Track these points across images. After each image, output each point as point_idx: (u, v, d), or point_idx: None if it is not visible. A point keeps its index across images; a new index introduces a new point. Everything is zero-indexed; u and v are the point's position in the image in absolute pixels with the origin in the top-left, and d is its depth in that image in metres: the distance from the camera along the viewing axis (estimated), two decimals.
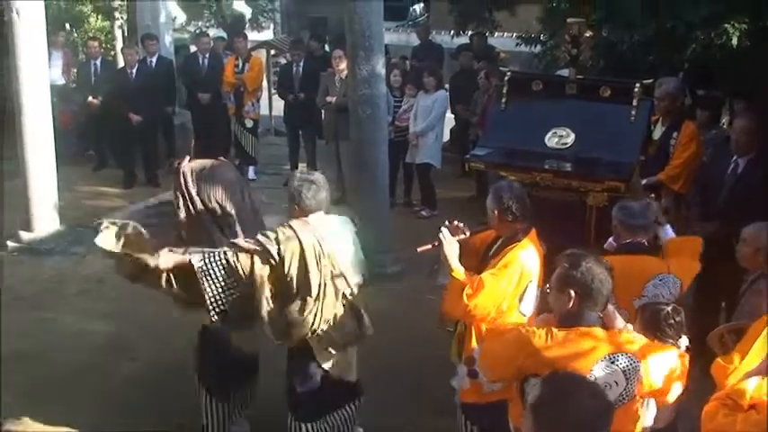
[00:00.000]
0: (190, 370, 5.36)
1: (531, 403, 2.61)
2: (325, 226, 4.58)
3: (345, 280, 4.59)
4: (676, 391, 3.49)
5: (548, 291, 3.54)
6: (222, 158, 5.36)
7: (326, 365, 4.73)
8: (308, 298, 4.43)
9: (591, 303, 3.38)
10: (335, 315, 4.56)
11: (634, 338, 3.45)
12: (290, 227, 4.45)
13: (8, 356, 6.35)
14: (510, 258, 4.33)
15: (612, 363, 3.30)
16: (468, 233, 4.62)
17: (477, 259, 4.67)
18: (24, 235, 8.81)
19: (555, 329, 3.38)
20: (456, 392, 5.53)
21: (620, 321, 3.55)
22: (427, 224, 9.31)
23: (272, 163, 12.26)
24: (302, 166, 11.38)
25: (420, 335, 6.43)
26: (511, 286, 4.31)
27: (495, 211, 4.50)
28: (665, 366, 3.41)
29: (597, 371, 3.29)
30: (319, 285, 4.44)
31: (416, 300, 7.28)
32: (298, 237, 4.40)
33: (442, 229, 4.50)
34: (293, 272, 4.41)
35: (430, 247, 4.53)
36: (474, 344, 4.47)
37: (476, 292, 4.24)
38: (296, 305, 4.45)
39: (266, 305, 4.49)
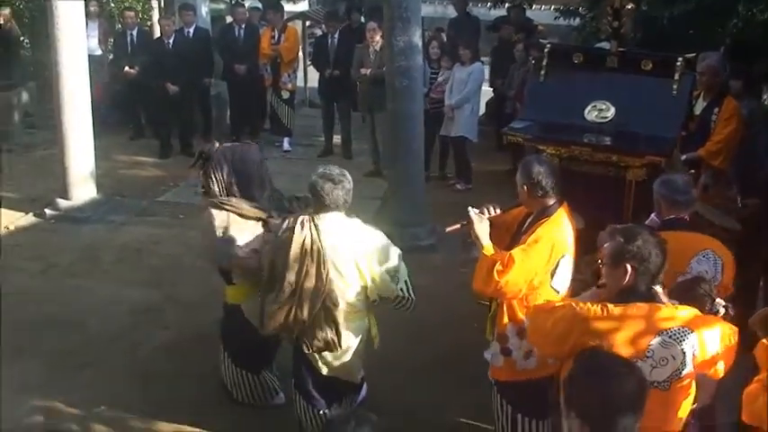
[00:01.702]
0: (217, 342, 5.43)
1: (563, 379, 2.58)
2: (338, 229, 4.42)
3: (335, 288, 4.43)
4: (726, 366, 3.44)
5: (600, 265, 3.48)
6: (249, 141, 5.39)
7: (319, 367, 4.69)
8: (281, 293, 4.37)
9: (647, 278, 3.33)
10: (313, 320, 4.42)
11: (691, 312, 3.39)
12: (294, 220, 4.41)
13: (43, 323, 6.46)
14: (540, 234, 4.26)
15: (671, 337, 3.26)
16: (498, 210, 4.56)
17: (510, 236, 4.61)
18: (61, 203, 8.89)
19: (610, 305, 3.33)
20: (489, 367, 5.54)
21: (665, 298, 3.49)
22: (462, 198, 9.25)
23: (306, 134, 12.24)
24: (336, 138, 11.37)
25: (453, 307, 6.42)
26: (542, 262, 4.23)
27: (525, 187, 4.39)
28: (716, 340, 3.36)
29: (654, 346, 3.25)
30: (295, 284, 4.34)
31: (451, 273, 7.25)
32: (292, 231, 4.35)
33: (470, 208, 4.43)
34: (277, 261, 4.39)
35: (458, 226, 4.49)
36: (506, 321, 4.41)
37: (506, 269, 4.16)
38: (271, 296, 4.43)
39: (259, 289, 4.55)
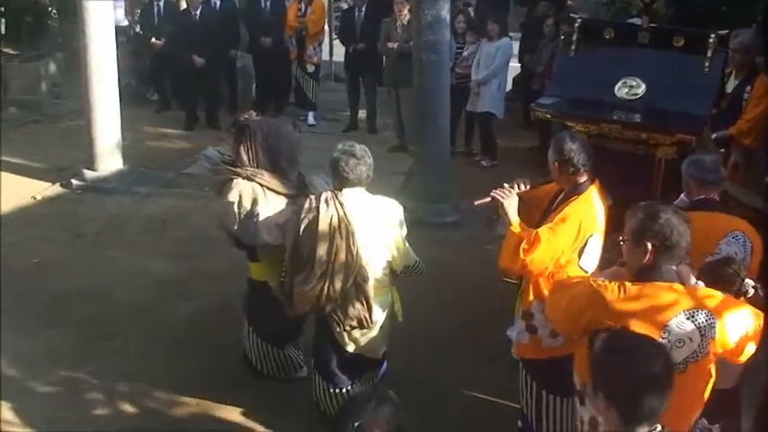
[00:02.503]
0: (242, 315, 5.45)
1: (591, 358, 2.56)
2: (361, 204, 4.45)
3: (364, 264, 4.45)
4: (749, 351, 3.36)
5: (621, 242, 3.43)
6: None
7: (345, 344, 4.68)
8: (312, 272, 4.36)
9: (668, 257, 3.26)
10: (345, 297, 4.44)
11: (712, 294, 3.33)
12: (317, 198, 4.39)
13: (70, 293, 6.51)
14: (568, 212, 4.21)
15: (688, 319, 3.19)
16: (527, 186, 4.52)
17: (540, 212, 4.57)
18: (88, 173, 8.94)
19: (628, 283, 3.28)
20: (512, 343, 5.51)
21: (692, 279, 3.44)
22: (487, 174, 9.22)
23: (331, 108, 12.20)
24: (361, 112, 11.33)
25: (476, 285, 6.41)
26: (569, 240, 4.18)
27: (557, 163, 4.36)
28: (740, 325, 3.29)
29: (672, 326, 3.18)
30: (327, 263, 4.34)
31: (474, 249, 7.22)
32: (317, 209, 4.33)
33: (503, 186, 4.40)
34: (303, 241, 4.36)
35: (488, 200, 4.43)
36: (532, 298, 4.38)
37: (532, 247, 4.13)
38: (301, 276, 4.41)
39: (284, 271, 4.52)
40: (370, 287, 4.48)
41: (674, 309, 3.20)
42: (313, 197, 4.43)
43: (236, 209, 4.80)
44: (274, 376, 5.38)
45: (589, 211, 4.26)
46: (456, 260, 6.94)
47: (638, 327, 3.15)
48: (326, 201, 4.36)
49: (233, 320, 5.68)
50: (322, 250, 4.32)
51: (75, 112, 10.51)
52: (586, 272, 4.26)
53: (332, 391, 4.79)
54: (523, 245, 4.13)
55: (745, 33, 6.80)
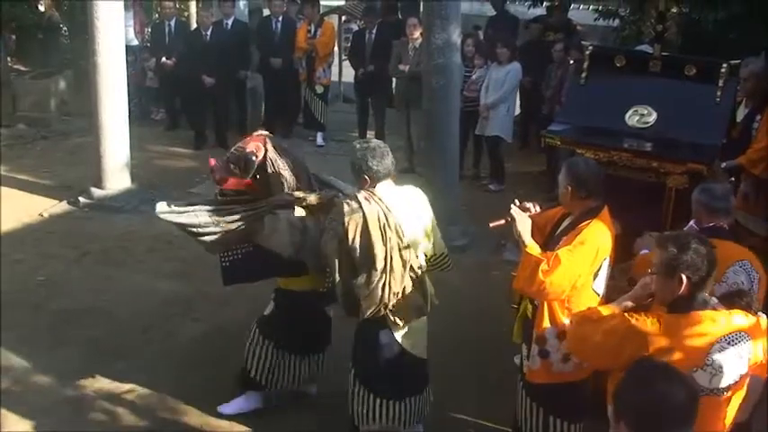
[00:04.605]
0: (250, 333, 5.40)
1: (614, 390, 2.54)
2: (394, 196, 4.49)
3: (413, 252, 4.49)
4: None
5: (651, 274, 3.47)
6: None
7: (398, 336, 4.65)
8: (374, 271, 4.35)
9: (702, 286, 3.32)
10: (404, 288, 4.47)
11: (742, 317, 3.37)
12: (355, 198, 4.38)
13: (74, 311, 6.51)
14: (587, 235, 4.20)
15: (728, 344, 3.25)
16: (538, 209, 4.53)
17: (542, 237, 4.55)
18: (96, 191, 8.95)
19: (666, 315, 3.33)
20: (519, 370, 5.47)
21: (718, 305, 3.45)
22: (494, 198, 9.20)
23: (340, 130, 12.20)
24: (370, 134, 11.34)
25: (482, 309, 6.39)
26: (587, 264, 4.18)
27: (569, 187, 4.34)
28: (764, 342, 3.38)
29: (714, 353, 3.24)
30: (385, 258, 4.35)
31: (481, 274, 7.21)
32: (362, 209, 4.33)
33: (513, 206, 4.41)
34: (356, 245, 4.34)
35: (503, 222, 4.43)
36: (546, 323, 4.35)
37: (552, 269, 4.10)
38: (362, 278, 4.38)
39: (336, 279, 4.46)
40: (423, 275, 4.55)
41: (714, 336, 3.25)
42: (349, 200, 4.40)
43: (298, 234, 4.79)
44: (279, 388, 5.31)
45: (604, 234, 4.26)
46: (463, 284, 6.91)
47: (681, 358, 3.20)
48: (366, 199, 4.37)
49: (238, 341, 5.65)
50: (378, 247, 4.32)
51: (84, 129, 10.56)
52: (598, 294, 4.28)
53: (372, 401, 4.74)
54: (543, 266, 4.11)
55: (755, 62, 6.78)
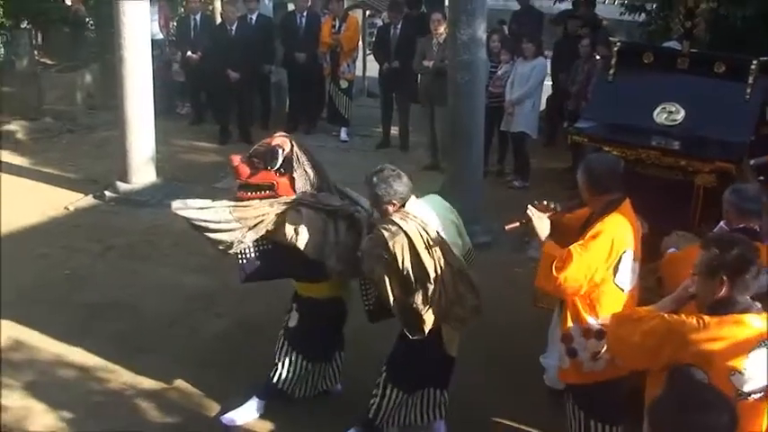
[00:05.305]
0: (271, 331, 5.41)
1: (648, 406, 2.49)
2: (423, 209, 4.53)
3: (456, 256, 4.53)
4: None
5: (692, 275, 3.43)
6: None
7: (444, 340, 4.68)
8: (428, 284, 4.38)
9: (743, 288, 3.29)
10: (458, 293, 4.48)
11: None
12: (393, 222, 4.39)
13: (100, 305, 6.55)
14: (599, 229, 4.17)
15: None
16: (558, 208, 4.50)
17: (575, 237, 4.52)
18: (121, 185, 8.99)
19: (706, 317, 3.29)
20: (545, 371, 5.44)
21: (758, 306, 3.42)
22: (519, 195, 9.12)
23: (364, 125, 12.17)
24: (394, 129, 11.32)
25: (505, 308, 6.31)
26: (602, 257, 4.13)
27: (586, 184, 4.36)
28: None
29: (753, 356, 3.22)
30: (435, 270, 4.38)
31: (504, 272, 7.15)
32: (403, 230, 4.33)
33: (530, 206, 4.42)
34: (408, 265, 4.34)
35: (517, 224, 4.46)
36: (570, 323, 4.32)
37: (564, 265, 4.10)
38: (419, 296, 4.40)
39: (392, 302, 4.48)
40: (470, 274, 4.58)
41: (755, 339, 3.23)
42: (386, 225, 4.40)
43: (320, 235, 4.77)
44: (305, 395, 5.33)
45: (621, 226, 4.21)
46: (486, 283, 6.81)
47: (720, 360, 3.19)
48: (402, 219, 4.39)
49: (261, 337, 5.68)
50: (429, 263, 4.35)
51: (110, 123, 10.61)
52: (622, 290, 4.23)
53: (406, 399, 4.82)
54: (556, 263, 4.11)
55: None
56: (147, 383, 5.53)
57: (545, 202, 4.46)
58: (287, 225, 4.75)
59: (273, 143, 4.88)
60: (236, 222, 4.79)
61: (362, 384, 5.08)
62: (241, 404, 5.22)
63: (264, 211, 4.80)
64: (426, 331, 4.49)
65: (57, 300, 6.59)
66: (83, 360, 5.76)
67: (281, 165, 4.86)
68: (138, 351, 5.90)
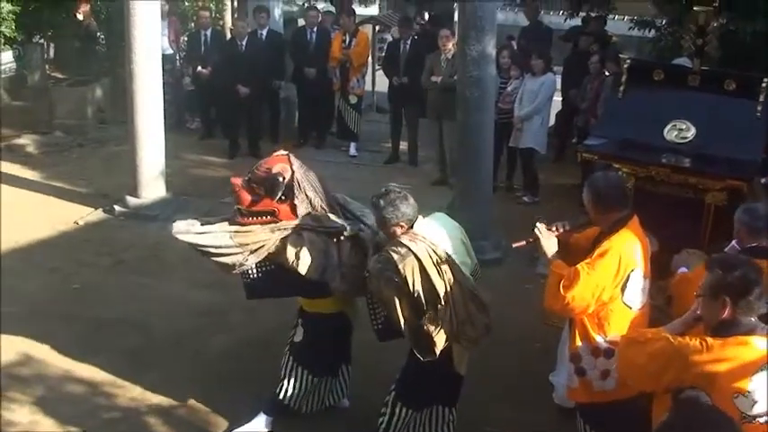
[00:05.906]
0: (278, 347, 5.39)
1: (656, 428, 2.48)
2: (431, 229, 4.52)
3: (466, 275, 4.51)
4: None
5: (697, 297, 3.43)
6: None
7: (454, 358, 4.66)
8: (439, 306, 4.36)
9: (747, 310, 3.28)
10: (468, 312, 4.46)
11: None
12: (402, 244, 4.37)
13: (109, 320, 6.55)
14: (606, 247, 4.15)
15: None
16: (567, 227, 4.48)
17: (584, 257, 4.49)
18: (131, 200, 9.00)
19: (709, 338, 3.28)
20: (554, 389, 5.41)
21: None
22: (528, 211, 9.11)
23: (373, 140, 12.19)
24: (403, 144, 11.32)
25: (514, 324, 6.27)
26: (609, 276, 4.11)
27: (592, 202, 4.34)
28: None
29: (757, 379, 3.20)
30: (446, 291, 4.36)
31: (514, 288, 7.12)
32: (412, 252, 4.32)
33: (537, 224, 4.41)
34: (418, 287, 4.33)
35: (524, 243, 4.47)
36: (578, 341, 4.30)
37: (572, 284, 4.09)
38: (429, 316, 4.39)
39: (402, 324, 4.47)
40: (480, 293, 4.56)
41: (760, 361, 3.21)
42: (395, 247, 4.38)
43: (322, 256, 4.76)
44: (312, 411, 5.32)
45: (628, 244, 4.19)
46: (495, 299, 6.79)
47: (724, 382, 3.17)
48: (411, 240, 4.37)
49: (269, 353, 5.66)
50: (439, 284, 4.34)
51: (120, 137, 10.65)
52: (631, 308, 4.20)
53: (415, 417, 4.80)
54: (563, 282, 4.10)
55: None
56: (156, 399, 5.53)
57: (553, 228, 4.43)
58: (288, 249, 4.75)
59: (274, 170, 4.83)
60: (237, 248, 4.80)
61: (369, 401, 5.07)
62: (249, 420, 5.21)
63: (266, 237, 4.80)
64: (437, 353, 4.46)
65: (66, 314, 6.59)
66: (91, 375, 5.75)
67: (282, 192, 4.86)
68: (147, 366, 5.89)
